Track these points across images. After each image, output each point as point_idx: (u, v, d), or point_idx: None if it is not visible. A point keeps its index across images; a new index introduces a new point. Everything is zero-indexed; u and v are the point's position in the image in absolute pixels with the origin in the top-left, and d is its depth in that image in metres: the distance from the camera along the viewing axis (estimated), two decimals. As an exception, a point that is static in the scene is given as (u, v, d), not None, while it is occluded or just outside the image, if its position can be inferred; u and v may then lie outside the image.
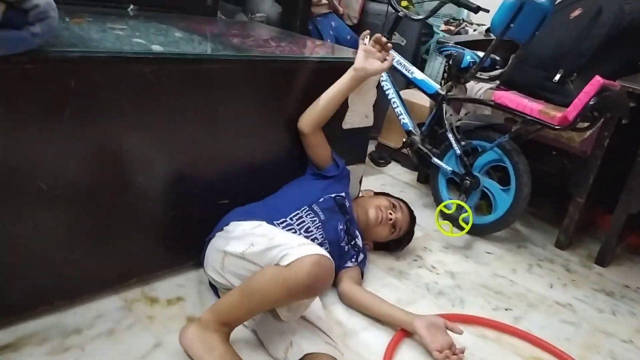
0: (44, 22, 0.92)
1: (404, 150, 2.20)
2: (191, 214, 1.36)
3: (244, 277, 1.12)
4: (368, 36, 1.52)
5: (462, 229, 1.84)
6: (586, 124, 1.77)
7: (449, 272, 1.72)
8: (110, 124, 1.12)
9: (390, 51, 1.46)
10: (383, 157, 2.17)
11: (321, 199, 1.43)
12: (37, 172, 1.04)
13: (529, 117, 1.76)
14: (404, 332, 1.33)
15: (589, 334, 1.50)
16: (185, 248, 1.40)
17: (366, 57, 1.40)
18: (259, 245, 1.13)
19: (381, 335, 1.32)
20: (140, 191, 1.23)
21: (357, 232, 1.54)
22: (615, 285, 1.83)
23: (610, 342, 1.48)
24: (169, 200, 1.29)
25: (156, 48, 1.20)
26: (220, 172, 1.39)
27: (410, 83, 2.16)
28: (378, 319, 1.37)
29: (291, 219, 1.35)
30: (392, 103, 2.15)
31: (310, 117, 1.46)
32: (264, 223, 1.26)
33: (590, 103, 1.62)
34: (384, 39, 1.44)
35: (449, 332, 1.28)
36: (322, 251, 1.06)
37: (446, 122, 1.98)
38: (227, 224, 1.28)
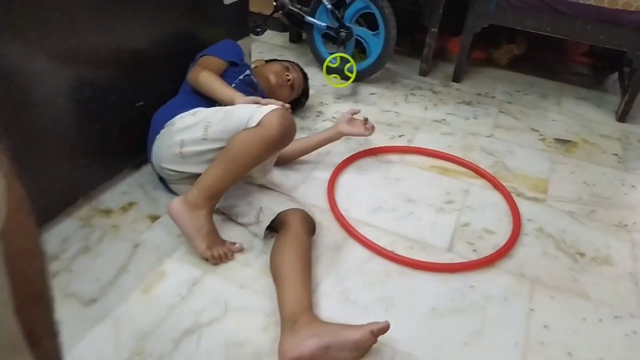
0: None
1: (276, 14, 2.25)
2: (114, 123, 1.36)
3: (208, 159, 1.21)
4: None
5: (348, 78, 2.05)
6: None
7: (347, 118, 1.96)
8: None
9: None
10: (258, 25, 2.21)
11: (233, 84, 1.50)
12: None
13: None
14: (338, 169, 1.60)
15: (462, 138, 1.89)
16: (118, 157, 1.43)
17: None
18: (215, 122, 1.21)
19: (317, 182, 1.54)
20: (57, 111, 1.19)
21: (268, 102, 1.67)
22: (471, 95, 2.25)
23: (479, 139, 1.89)
24: (87, 115, 1.28)
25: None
26: (127, 74, 1.37)
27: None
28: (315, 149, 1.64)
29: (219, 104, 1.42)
30: (254, -32, 2.13)
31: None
32: (201, 108, 1.31)
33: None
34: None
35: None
36: (279, 106, 1.20)
37: (312, -21, 2.05)
38: (166, 121, 1.31)
